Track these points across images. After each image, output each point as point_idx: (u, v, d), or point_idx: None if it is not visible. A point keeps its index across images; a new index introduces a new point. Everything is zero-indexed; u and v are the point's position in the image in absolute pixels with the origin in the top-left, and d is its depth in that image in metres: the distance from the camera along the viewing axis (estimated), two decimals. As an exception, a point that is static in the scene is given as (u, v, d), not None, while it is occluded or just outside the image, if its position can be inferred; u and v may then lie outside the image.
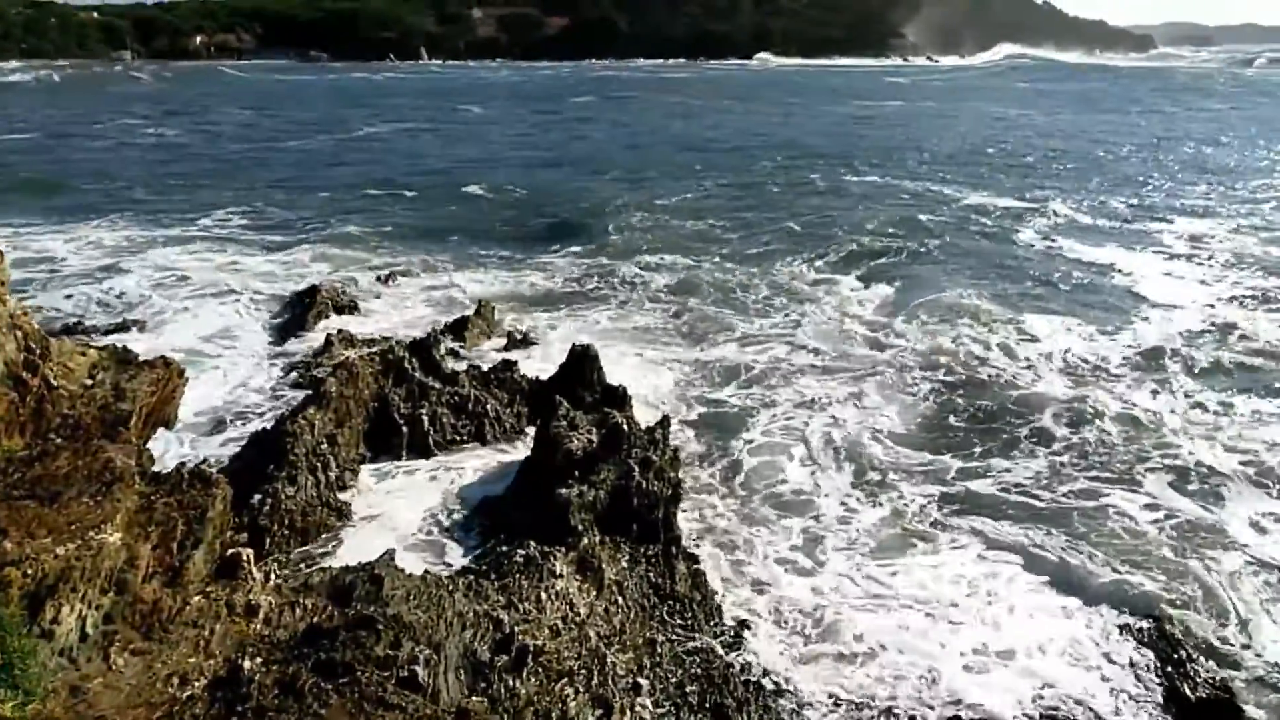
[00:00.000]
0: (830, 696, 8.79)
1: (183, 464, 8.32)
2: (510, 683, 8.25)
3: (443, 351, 14.50)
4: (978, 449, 13.52)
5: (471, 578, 9.49)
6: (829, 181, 36.61)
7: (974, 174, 38.23)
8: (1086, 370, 16.54)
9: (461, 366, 14.76)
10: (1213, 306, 19.87)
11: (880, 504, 11.96)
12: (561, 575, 9.59)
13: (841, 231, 27.11)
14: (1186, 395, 15.36)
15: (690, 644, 9.32)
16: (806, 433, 13.89)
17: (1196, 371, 16.36)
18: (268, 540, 10.56)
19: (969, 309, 19.75)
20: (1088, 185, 35.59)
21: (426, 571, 9.37)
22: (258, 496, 10.87)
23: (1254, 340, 17.81)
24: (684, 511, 11.35)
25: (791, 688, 8.92)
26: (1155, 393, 15.49)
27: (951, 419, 14.54)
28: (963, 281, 22.02)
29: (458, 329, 17.44)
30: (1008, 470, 12.89)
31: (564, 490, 10.35)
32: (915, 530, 11.36)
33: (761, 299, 20.96)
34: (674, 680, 8.89)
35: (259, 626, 6.46)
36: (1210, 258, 24.28)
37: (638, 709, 8.62)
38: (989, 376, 16.21)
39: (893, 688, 8.88)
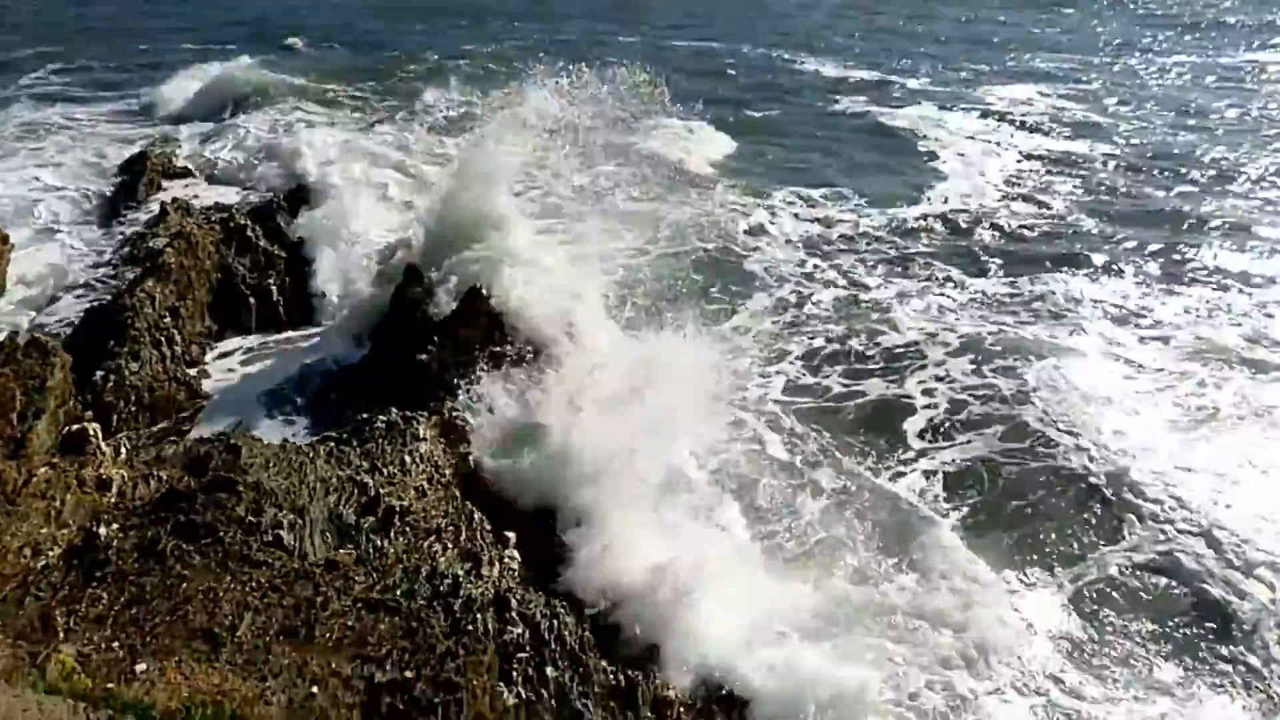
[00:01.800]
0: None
1: (14, 332, 7.87)
2: (378, 542, 8.42)
3: (287, 219, 13.95)
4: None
5: (333, 444, 9.48)
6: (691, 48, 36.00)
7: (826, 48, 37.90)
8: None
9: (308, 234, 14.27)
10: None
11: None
12: (425, 439, 9.68)
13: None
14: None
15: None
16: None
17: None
18: (114, 418, 10.20)
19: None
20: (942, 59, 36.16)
21: (285, 440, 9.30)
22: (99, 373, 10.42)
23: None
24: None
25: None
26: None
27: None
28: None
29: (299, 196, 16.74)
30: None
31: (424, 355, 10.35)
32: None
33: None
34: (540, 530, 9.27)
35: (112, 499, 6.33)
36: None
37: (506, 559, 8.98)
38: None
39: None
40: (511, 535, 9.16)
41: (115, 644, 4.63)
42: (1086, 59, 34.09)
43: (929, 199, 19.03)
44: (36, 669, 4.21)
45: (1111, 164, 21.60)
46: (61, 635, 4.43)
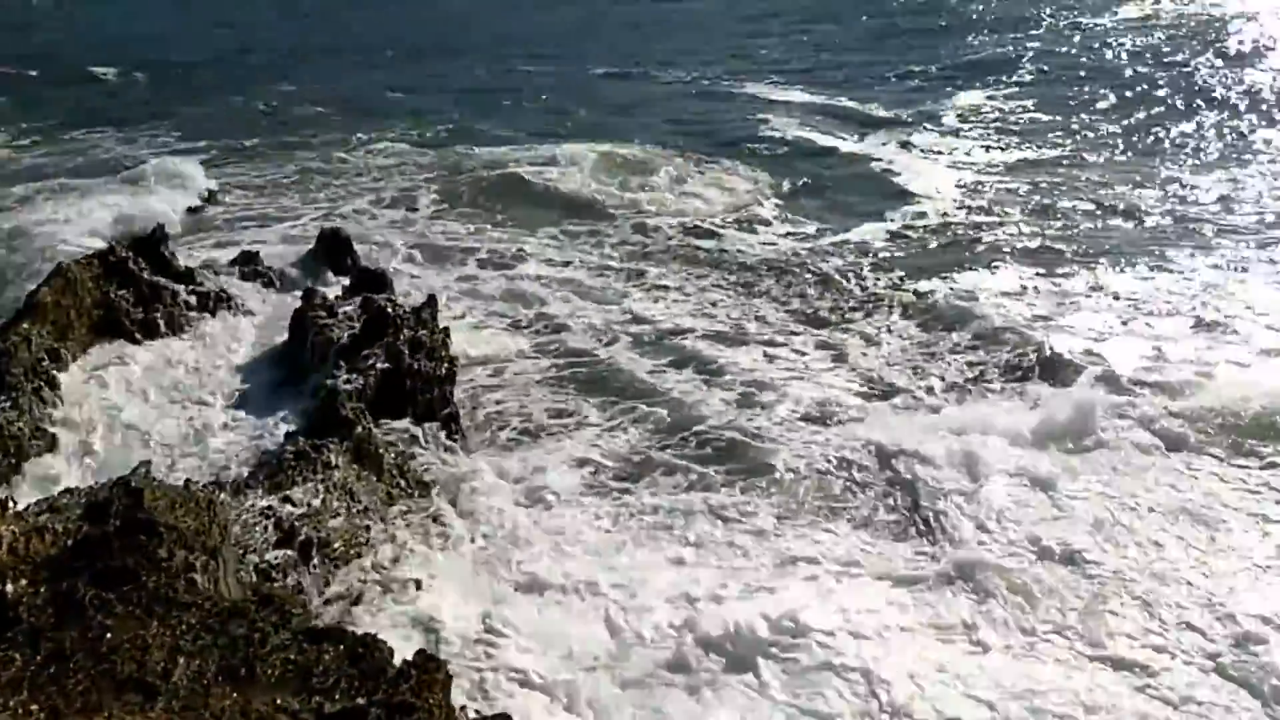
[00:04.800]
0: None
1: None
2: (297, 577, 8.14)
3: (172, 249, 13.33)
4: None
5: (240, 479, 9.12)
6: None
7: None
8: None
9: (195, 262, 13.70)
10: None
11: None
12: (338, 466, 9.40)
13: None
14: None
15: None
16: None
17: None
18: (-4, 471, 9.55)
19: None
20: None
21: (188, 480, 8.90)
22: (-25, 425, 9.73)
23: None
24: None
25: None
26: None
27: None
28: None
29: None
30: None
31: (330, 380, 10.05)
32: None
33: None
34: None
35: (4, 556, 5.91)
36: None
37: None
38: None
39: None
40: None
41: (35, 706, 4.33)
42: (1022, 55, 33.92)
43: (887, 217, 18.98)
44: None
45: (1070, 165, 21.93)
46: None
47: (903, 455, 10.27)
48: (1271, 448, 10.44)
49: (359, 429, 9.49)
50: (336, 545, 8.73)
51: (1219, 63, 29.27)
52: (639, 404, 11.73)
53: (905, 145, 24.02)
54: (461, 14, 47.60)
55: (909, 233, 18.18)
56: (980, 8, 41.49)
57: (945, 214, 19.03)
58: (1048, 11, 40.81)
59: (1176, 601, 8.28)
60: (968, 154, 23.17)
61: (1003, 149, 23.43)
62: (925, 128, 25.58)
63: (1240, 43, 30.89)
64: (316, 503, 8.91)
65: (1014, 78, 30.49)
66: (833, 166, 22.74)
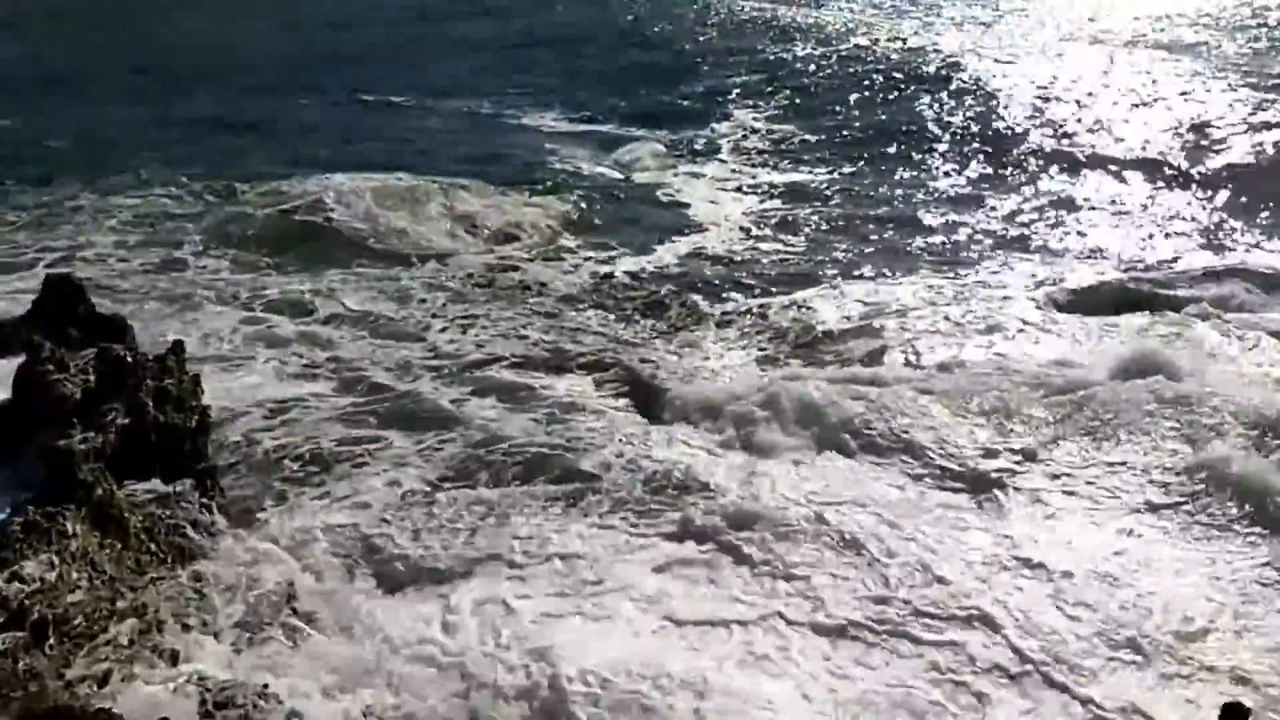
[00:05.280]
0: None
1: None
2: (30, 660, 7.28)
3: None
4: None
5: (-42, 560, 8.07)
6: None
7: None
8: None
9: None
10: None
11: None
12: (76, 535, 8.50)
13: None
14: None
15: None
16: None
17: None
18: None
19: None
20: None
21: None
22: None
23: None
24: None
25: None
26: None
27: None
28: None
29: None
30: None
31: (64, 441, 9.09)
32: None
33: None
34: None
35: None
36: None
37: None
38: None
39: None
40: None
41: None
42: (776, 81, 35.35)
43: (681, 243, 19.38)
44: None
45: (841, 185, 23.26)
46: None
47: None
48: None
49: (99, 492, 8.63)
50: (77, 622, 7.89)
51: (947, 91, 31.95)
52: (442, 432, 11.48)
53: (690, 173, 24.85)
54: (212, 39, 44.58)
55: (703, 256, 18.76)
56: (732, 43, 43.17)
57: (733, 238, 19.84)
58: (789, 39, 43.19)
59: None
60: (753, 178, 24.23)
61: (781, 172, 24.69)
62: (705, 154, 26.57)
63: (963, 77, 33.74)
64: (51, 577, 8.02)
65: (773, 102, 32.12)
66: (624, 196, 23.02)
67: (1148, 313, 14.96)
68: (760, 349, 14.38)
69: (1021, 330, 14.58)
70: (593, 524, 9.73)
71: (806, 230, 20.23)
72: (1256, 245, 18.60)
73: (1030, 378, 12.68)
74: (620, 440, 11.22)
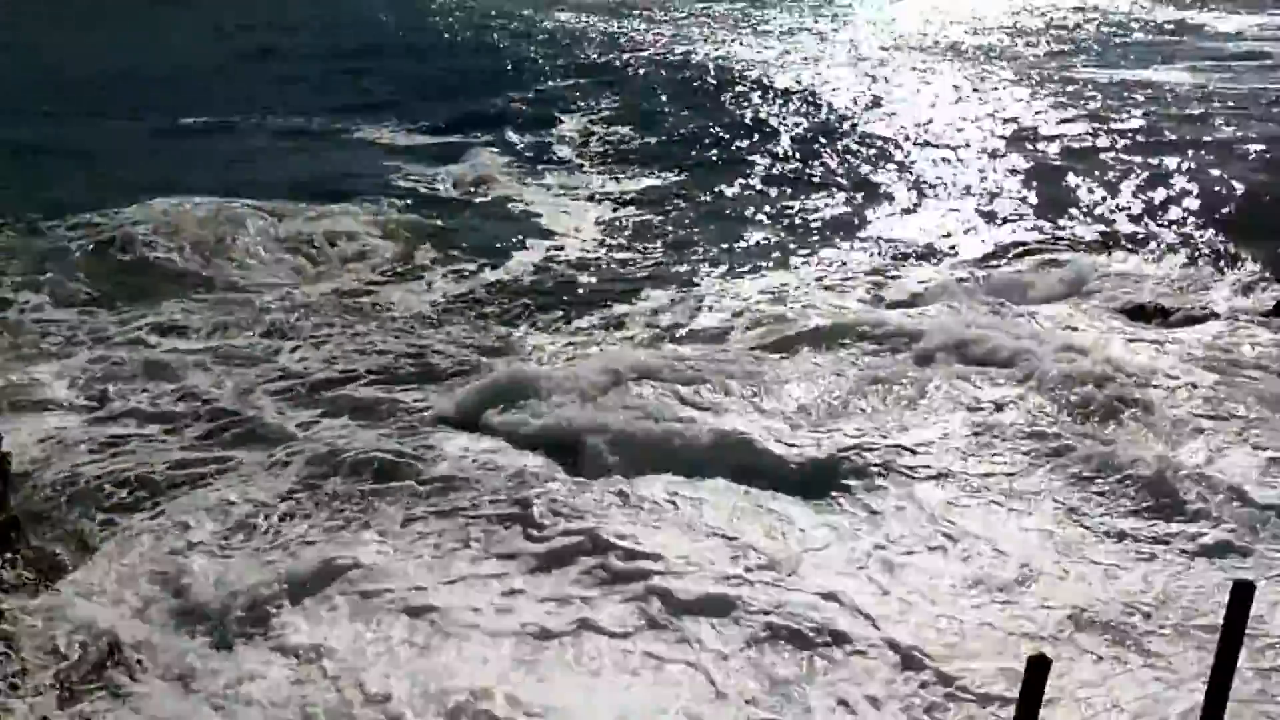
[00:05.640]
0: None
1: None
2: None
3: None
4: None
5: None
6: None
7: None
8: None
9: None
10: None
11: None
12: None
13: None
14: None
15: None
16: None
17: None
18: None
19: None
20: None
21: None
22: None
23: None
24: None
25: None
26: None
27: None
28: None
29: None
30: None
31: None
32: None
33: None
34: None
35: None
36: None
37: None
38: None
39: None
40: None
41: None
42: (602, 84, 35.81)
43: (535, 255, 19.25)
44: None
45: (688, 186, 23.80)
46: None
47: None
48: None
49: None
50: None
51: (774, 95, 33.11)
52: (289, 448, 11.11)
53: (537, 183, 24.72)
54: (15, 60, 41.45)
55: (558, 264, 18.80)
56: (552, 50, 43.60)
57: (586, 246, 19.98)
58: (611, 48, 43.62)
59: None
60: (601, 186, 24.45)
61: (625, 179, 24.96)
62: (548, 162, 26.57)
63: (788, 82, 34.97)
64: None
65: (603, 107, 32.57)
66: (472, 208, 22.71)
67: (965, 299, 15.93)
68: (613, 348, 14.51)
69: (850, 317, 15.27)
70: (437, 541, 9.51)
71: (654, 235, 20.60)
72: (1062, 228, 20.30)
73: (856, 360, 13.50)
74: (472, 451, 11.12)
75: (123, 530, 9.61)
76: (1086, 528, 9.72)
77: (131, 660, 7.79)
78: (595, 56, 41.75)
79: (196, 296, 16.55)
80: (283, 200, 21.56)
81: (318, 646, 7.96)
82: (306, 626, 8.23)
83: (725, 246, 19.69)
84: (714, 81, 35.51)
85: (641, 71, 38.01)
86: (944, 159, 25.57)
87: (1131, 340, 14.15)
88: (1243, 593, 5.11)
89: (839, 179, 24.22)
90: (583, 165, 26.32)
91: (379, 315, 15.94)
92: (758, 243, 20.06)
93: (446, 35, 48.22)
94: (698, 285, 17.48)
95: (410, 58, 42.21)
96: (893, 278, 17.73)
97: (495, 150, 27.55)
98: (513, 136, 28.99)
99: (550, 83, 36.97)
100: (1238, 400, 12.07)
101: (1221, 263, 18.04)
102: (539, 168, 26.01)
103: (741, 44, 44.53)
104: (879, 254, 19.18)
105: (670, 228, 21.09)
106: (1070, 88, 32.99)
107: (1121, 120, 28.10)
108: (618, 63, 40.24)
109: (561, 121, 30.82)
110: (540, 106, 32.81)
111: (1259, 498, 9.99)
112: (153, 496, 10.24)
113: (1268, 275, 17.09)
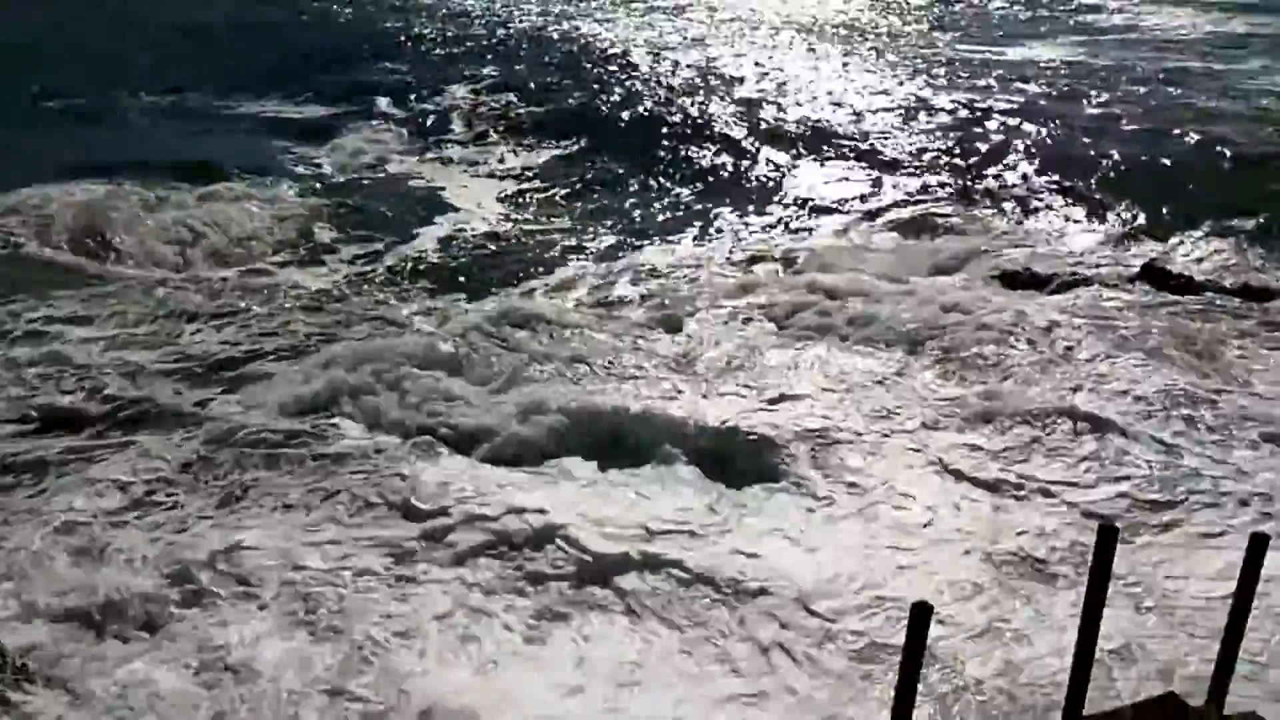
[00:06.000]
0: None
1: None
2: None
3: None
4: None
5: None
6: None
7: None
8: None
9: None
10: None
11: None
12: None
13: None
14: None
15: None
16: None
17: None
18: None
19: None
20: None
21: None
22: None
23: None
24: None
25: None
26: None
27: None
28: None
29: None
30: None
31: None
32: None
33: None
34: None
35: None
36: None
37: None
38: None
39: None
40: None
41: None
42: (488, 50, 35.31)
43: (436, 233, 19.05)
44: None
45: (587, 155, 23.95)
46: None
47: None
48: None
49: None
50: None
51: (649, 73, 32.87)
52: (185, 429, 10.79)
53: (434, 158, 24.28)
54: None
55: (464, 240, 18.72)
56: (430, 28, 41.88)
57: (489, 220, 19.93)
58: (487, 24, 42.75)
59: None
60: (500, 160, 24.23)
61: (519, 153, 24.74)
62: (441, 136, 26.07)
63: (666, 61, 34.82)
64: None
65: (486, 82, 31.67)
66: (370, 185, 22.07)
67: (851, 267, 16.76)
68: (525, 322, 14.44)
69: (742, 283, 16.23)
70: (329, 518, 9.38)
71: (554, 208, 20.72)
72: (940, 199, 21.19)
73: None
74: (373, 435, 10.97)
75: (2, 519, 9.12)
76: (971, 479, 10.32)
77: (27, 667, 7.19)
78: (482, 31, 40.87)
79: (85, 288, 15.30)
80: (166, 181, 20.29)
81: (209, 642, 7.62)
82: (200, 619, 7.88)
83: (628, 221, 19.96)
84: (600, 54, 35.39)
85: (527, 45, 37.46)
86: (826, 129, 26.10)
87: (1005, 307, 14.70)
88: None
89: (725, 153, 24.47)
90: (479, 138, 25.87)
91: (280, 296, 15.29)
92: (655, 214, 20.39)
93: (325, 7, 46.52)
94: (604, 259, 17.86)
95: (288, 30, 39.92)
96: (780, 246, 18.49)
97: (383, 122, 26.65)
98: (399, 109, 28.11)
99: (438, 52, 36.15)
100: (1100, 354, 12.96)
101: (1093, 226, 19.20)
102: (432, 139, 25.45)
103: (628, 19, 44.34)
104: (770, 225, 19.86)
105: (564, 201, 21.27)
106: (947, 67, 33.88)
107: (995, 96, 29.12)
108: (505, 34, 39.62)
109: (450, 92, 30.04)
110: (428, 77, 31.85)
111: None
112: (37, 487, 9.75)
113: (1136, 238, 18.29)
